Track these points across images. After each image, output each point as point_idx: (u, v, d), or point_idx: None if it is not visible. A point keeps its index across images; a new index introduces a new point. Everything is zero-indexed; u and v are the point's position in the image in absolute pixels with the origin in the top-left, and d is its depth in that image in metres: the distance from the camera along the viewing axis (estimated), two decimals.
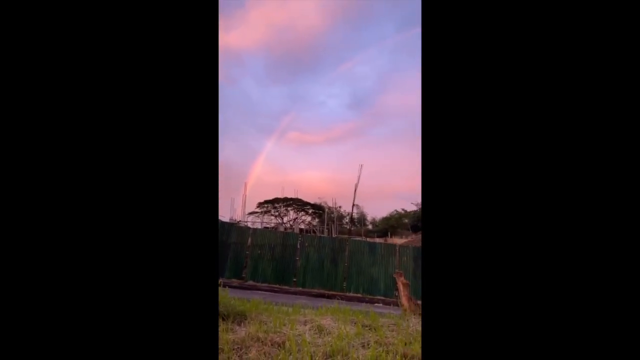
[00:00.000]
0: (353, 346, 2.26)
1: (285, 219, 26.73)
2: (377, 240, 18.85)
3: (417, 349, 2.24)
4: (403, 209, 30.83)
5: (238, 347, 2.15)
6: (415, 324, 3.08)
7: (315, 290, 9.50)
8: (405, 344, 2.36)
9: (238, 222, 18.53)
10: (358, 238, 17.03)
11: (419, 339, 2.51)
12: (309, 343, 2.25)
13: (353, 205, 19.01)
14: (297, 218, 27.02)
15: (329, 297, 8.10)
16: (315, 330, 2.63)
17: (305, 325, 2.75)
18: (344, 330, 2.58)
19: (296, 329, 2.58)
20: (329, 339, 2.37)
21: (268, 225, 24.41)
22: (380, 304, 8.32)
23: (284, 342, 2.24)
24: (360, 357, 2.08)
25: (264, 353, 2.08)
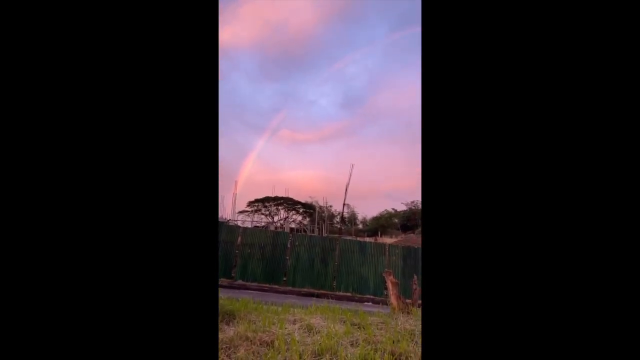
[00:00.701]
0: (342, 345, 2.27)
1: (275, 218, 26.62)
2: (367, 239, 18.96)
3: (404, 346, 2.27)
4: (393, 209, 31.13)
5: (226, 347, 2.13)
6: (403, 322, 3.11)
7: (305, 290, 9.50)
8: (394, 342, 2.39)
9: (228, 220, 18.37)
10: (348, 237, 17.09)
11: (407, 337, 2.54)
12: (298, 342, 2.25)
13: (344, 204, 19.08)
14: (287, 217, 26.94)
15: (319, 296, 8.11)
16: (305, 329, 2.63)
17: (295, 324, 2.75)
18: (333, 329, 2.59)
19: (285, 328, 2.58)
20: (318, 337, 2.37)
21: (258, 224, 24.28)
22: (370, 303, 8.38)
23: (272, 341, 2.23)
24: (349, 355, 2.10)
25: (253, 352, 2.07)
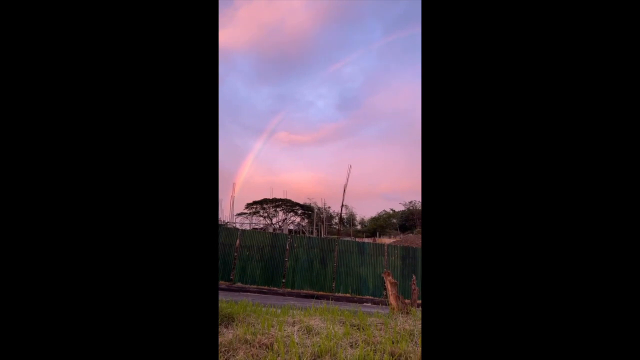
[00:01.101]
0: (341, 346, 2.27)
1: (274, 220, 26.59)
2: (366, 240, 18.96)
3: (404, 347, 2.27)
4: (391, 209, 31.19)
5: (225, 350, 2.12)
6: (402, 322, 3.11)
7: (304, 291, 9.49)
8: (393, 343, 2.39)
9: (226, 223, 18.34)
10: (347, 238, 17.09)
11: (407, 337, 2.54)
12: (297, 344, 2.25)
13: (342, 205, 19.09)
14: (286, 219, 26.91)
15: (318, 297, 8.10)
16: (304, 331, 2.62)
17: (294, 326, 2.74)
18: (333, 330, 2.59)
19: (284, 330, 2.57)
20: (317, 339, 2.37)
21: (257, 226, 24.23)
22: (369, 304, 8.37)
23: (272, 344, 2.23)
24: (349, 356, 2.09)
25: (252, 355, 2.06)
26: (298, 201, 27.46)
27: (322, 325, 2.78)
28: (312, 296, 8.37)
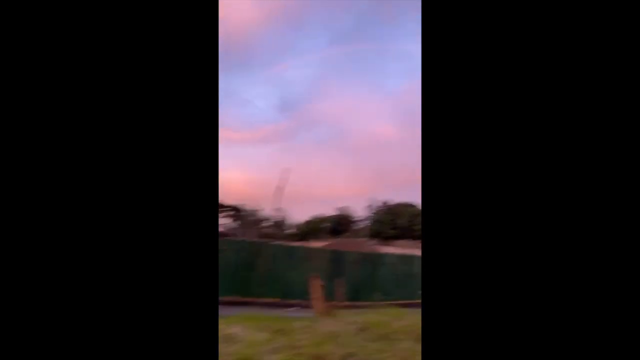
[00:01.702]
0: (263, 352, 2.16)
1: None
2: (296, 244, 19.05)
3: (327, 348, 2.27)
4: (324, 214, 32.01)
5: None
6: (327, 324, 3.14)
7: (228, 298, 9.00)
8: (317, 345, 2.37)
9: None
10: (277, 242, 16.91)
11: (331, 339, 2.55)
12: None
13: (275, 208, 18.87)
14: None
15: (244, 304, 7.77)
16: (222, 340, 2.44)
17: None
18: (254, 338, 2.46)
19: None
20: (238, 347, 2.22)
21: None
22: (296, 308, 8.36)
23: None
24: None
25: None
26: (228, 202, 26.22)
27: (243, 333, 2.63)
28: (237, 303, 7.99)
